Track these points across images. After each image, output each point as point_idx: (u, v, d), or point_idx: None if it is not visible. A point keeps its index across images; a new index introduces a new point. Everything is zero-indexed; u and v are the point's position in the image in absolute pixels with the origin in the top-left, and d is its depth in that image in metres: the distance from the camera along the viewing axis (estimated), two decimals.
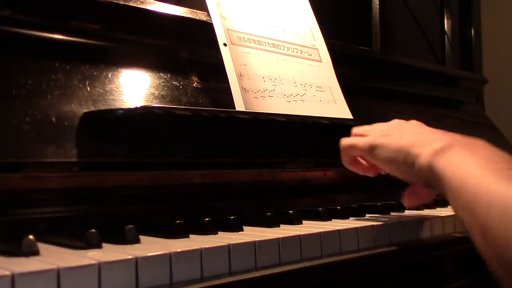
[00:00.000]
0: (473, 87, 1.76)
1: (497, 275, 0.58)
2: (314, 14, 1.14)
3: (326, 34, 1.14)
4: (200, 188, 0.93)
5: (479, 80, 1.79)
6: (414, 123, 0.83)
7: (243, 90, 0.92)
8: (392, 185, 0.84)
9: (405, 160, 0.75)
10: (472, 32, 1.99)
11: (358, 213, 0.89)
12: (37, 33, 0.80)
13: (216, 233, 0.69)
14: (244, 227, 0.73)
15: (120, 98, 0.83)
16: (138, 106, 0.83)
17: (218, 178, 0.95)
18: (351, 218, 0.86)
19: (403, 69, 1.47)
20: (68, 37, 0.83)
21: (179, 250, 0.56)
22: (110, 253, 0.54)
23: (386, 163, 0.79)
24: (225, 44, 0.93)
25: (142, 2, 0.91)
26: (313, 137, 1.03)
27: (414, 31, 1.81)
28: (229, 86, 0.90)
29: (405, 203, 0.84)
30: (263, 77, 0.97)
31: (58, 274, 0.47)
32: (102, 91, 0.82)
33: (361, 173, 0.88)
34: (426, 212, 0.98)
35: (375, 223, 0.79)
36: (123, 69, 0.87)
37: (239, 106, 0.89)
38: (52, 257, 0.52)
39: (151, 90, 0.88)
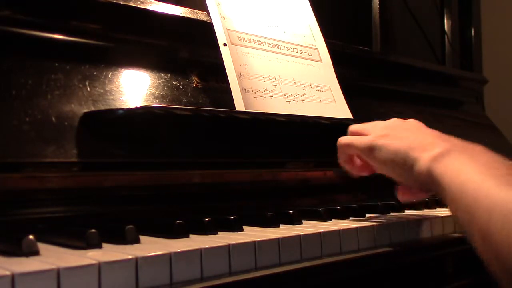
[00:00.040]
0: (473, 87, 1.76)
1: (496, 276, 0.58)
2: (314, 14, 1.14)
3: (326, 34, 1.14)
4: (200, 188, 0.93)
5: (479, 80, 1.79)
6: (412, 123, 0.82)
7: (243, 90, 0.92)
8: (392, 185, 0.84)
9: (404, 163, 0.75)
10: (472, 32, 1.99)
11: (358, 213, 0.89)
12: (37, 33, 0.80)
13: (216, 233, 0.69)
14: (244, 227, 0.73)
15: (120, 98, 0.83)
16: (138, 106, 0.83)
17: (218, 178, 0.95)
18: (351, 218, 0.86)
19: (403, 69, 1.47)
20: (68, 37, 0.83)
21: (179, 250, 0.56)
22: (110, 253, 0.54)
23: (384, 164, 0.79)
24: (225, 44, 0.93)
25: (142, 2, 0.91)
26: (313, 137, 1.03)
27: (414, 31, 1.81)
28: (229, 86, 0.90)
29: (399, 196, 0.84)
30: (263, 77, 0.97)
31: (58, 274, 0.47)
32: (102, 91, 0.82)
33: (355, 173, 0.87)
34: (426, 212, 0.98)
35: (375, 223, 0.79)
36: (123, 69, 0.87)
37: (239, 106, 0.89)
38: (52, 257, 0.52)
39: (151, 90, 0.88)
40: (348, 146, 0.84)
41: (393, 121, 0.84)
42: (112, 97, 0.82)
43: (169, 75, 0.92)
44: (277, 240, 0.65)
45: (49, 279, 0.47)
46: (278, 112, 0.95)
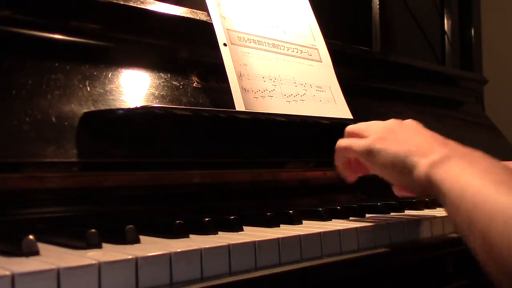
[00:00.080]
0: (473, 87, 1.76)
1: (493, 277, 0.58)
2: (314, 14, 1.14)
3: (326, 34, 1.14)
4: (200, 188, 0.93)
5: (479, 80, 1.79)
6: (411, 125, 0.81)
7: (243, 90, 0.92)
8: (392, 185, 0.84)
9: (403, 167, 0.74)
10: (472, 32, 1.99)
11: (358, 213, 0.89)
12: (37, 33, 0.80)
13: (216, 233, 0.69)
14: (244, 227, 0.73)
15: (120, 98, 0.83)
16: (138, 106, 0.83)
17: (218, 178, 0.95)
18: (351, 218, 0.86)
19: (403, 69, 1.47)
20: (68, 37, 0.83)
21: (179, 250, 0.56)
22: (110, 253, 0.54)
23: (383, 168, 0.78)
24: (225, 44, 0.93)
25: (142, 2, 0.91)
26: (313, 137, 1.03)
27: (414, 31, 1.81)
28: (229, 86, 0.90)
29: (396, 192, 0.84)
30: (263, 77, 0.97)
31: (58, 274, 0.47)
32: (102, 91, 0.82)
33: (352, 177, 0.87)
34: (426, 212, 0.98)
35: (375, 223, 0.79)
36: (123, 69, 0.87)
37: (239, 106, 0.89)
38: (52, 257, 0.52)
39: (151, 90, 0.88)
40: (346, 149, 0.83)
41: (391, 122, 0.82)
42: (112, 97, 0.82)
43: (169, 75, 0.92)
44: (277, 240, 0.65)
45: (49, 279, 0.47)
46: (278, 112, 0.95)
